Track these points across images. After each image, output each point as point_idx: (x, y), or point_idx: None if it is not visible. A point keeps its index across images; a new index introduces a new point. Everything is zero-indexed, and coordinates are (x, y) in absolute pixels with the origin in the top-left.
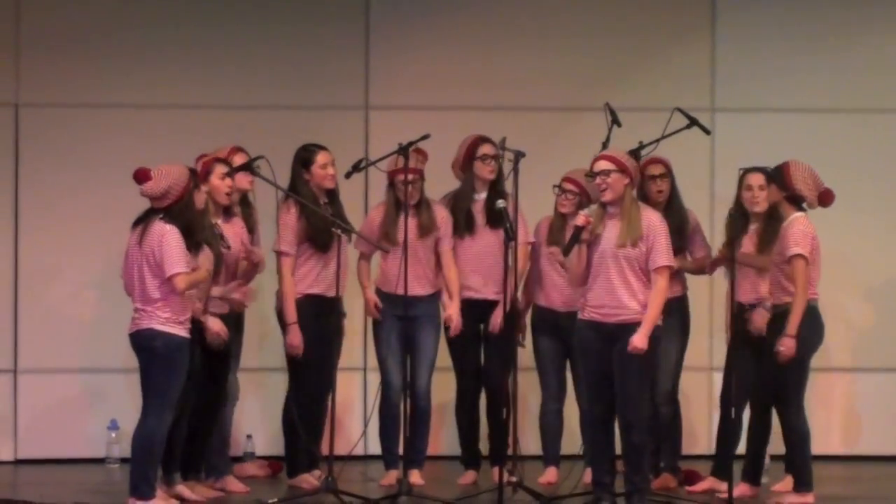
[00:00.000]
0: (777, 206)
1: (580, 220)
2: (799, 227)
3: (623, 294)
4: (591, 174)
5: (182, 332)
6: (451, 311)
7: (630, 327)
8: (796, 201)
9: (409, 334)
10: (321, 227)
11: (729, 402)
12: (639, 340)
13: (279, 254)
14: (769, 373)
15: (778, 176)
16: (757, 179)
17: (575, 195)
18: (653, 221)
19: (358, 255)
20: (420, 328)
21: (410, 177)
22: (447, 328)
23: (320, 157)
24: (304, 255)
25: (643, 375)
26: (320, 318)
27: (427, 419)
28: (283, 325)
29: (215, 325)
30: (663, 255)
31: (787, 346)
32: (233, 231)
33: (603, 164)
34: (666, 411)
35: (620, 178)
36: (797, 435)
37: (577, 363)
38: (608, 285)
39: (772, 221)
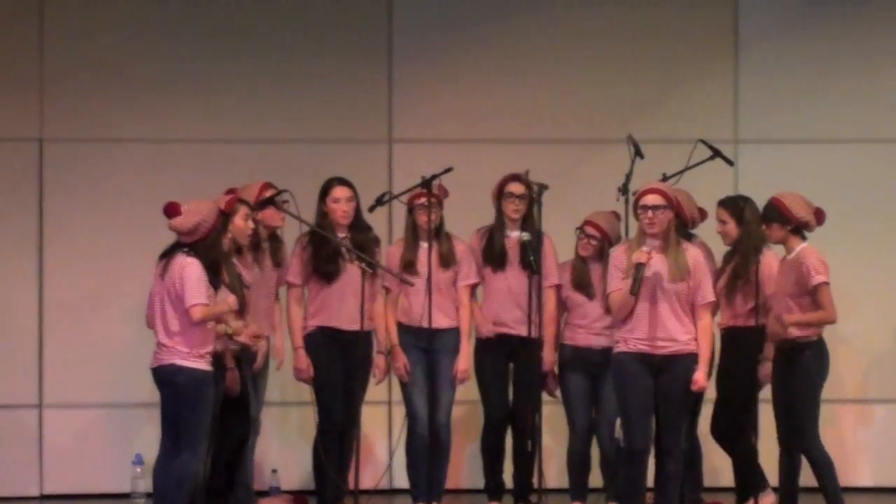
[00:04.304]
0: (784, 242)
1: (643, 257)
2: (815, 256)
3: (673, 326)
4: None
5: (204, 365)
6: (461, 361)
7: (678, 358)
8: (800, 231)
9: (431, 367)
10: (325, 258)
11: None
12: (702, 378)
13: (286, 284)
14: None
15: (775, 213)
16: (719, 214)
17: (597, 240)
18: (698, 257)
19: (385, 293)
20: (442, 361)
21: (431, 199)
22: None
23: (335, 191)
24: (316, 287)
25: (687, 406)
26: (336, 350)
27: (447, 452)
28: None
29: (232, 380)
30: (710, 290)
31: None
32: (250, 273)
33: (656, 199)
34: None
35: (668, 212)
36: (820, 466)
37: (603, 399)
38: (659, 318)
39: (741, 258)
